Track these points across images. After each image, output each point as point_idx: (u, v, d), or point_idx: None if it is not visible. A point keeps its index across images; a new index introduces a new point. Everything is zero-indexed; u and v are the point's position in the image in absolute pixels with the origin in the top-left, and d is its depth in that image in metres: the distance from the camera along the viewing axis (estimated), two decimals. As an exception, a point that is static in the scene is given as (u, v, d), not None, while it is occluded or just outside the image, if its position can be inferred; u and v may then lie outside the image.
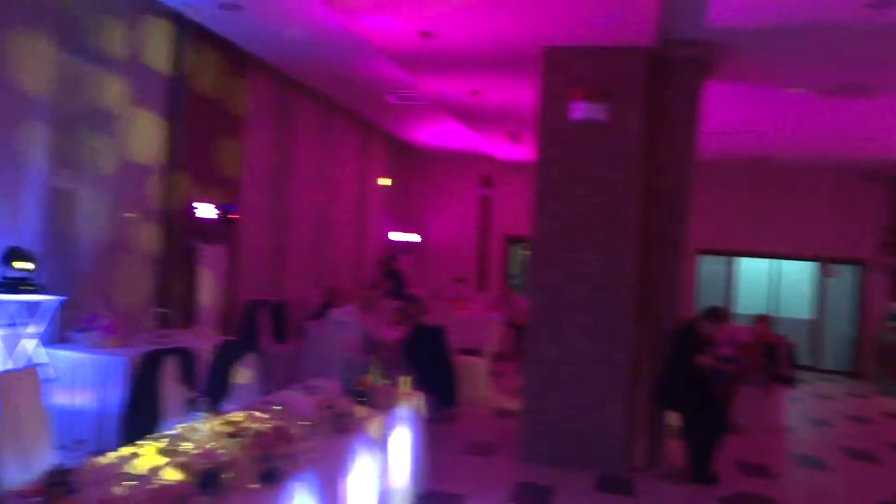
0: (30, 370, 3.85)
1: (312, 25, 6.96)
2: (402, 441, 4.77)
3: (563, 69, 6.44)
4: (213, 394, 4.70)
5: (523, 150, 12.63)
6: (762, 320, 8.94)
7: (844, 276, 13.82)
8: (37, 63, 5.55)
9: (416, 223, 15.52)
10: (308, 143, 10.50)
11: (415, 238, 15.19)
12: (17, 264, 5.06)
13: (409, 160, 15.16)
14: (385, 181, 13.80)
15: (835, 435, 8.53)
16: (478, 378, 8.64)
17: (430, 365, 7.28)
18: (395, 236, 14.36)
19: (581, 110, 6.32)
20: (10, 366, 5.05)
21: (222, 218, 7.67)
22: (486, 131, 11.80)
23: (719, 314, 6.42)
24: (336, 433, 3.87)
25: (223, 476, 2.76)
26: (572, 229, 6.38)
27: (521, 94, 8.51)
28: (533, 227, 6.51)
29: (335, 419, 3.93)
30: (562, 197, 6.42)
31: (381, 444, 4.30)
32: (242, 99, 8.40)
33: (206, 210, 7.42)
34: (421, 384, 6.59)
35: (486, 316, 10.65)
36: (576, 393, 6.30)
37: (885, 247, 13.07)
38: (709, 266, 14.34)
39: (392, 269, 12.47)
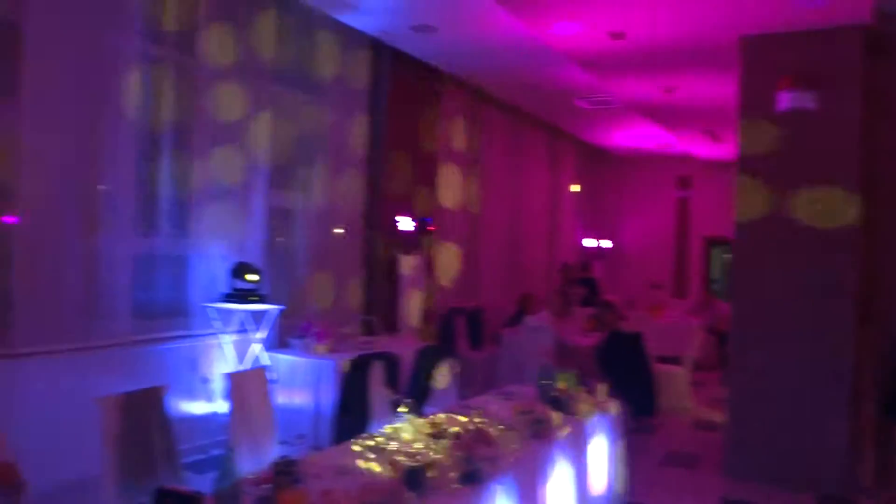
0: (258, 371, 4.30)
1: (502, 38, 7.13)
2: (599, 450, 4.71)
3: (765, 58, 6.04)
4: (416, 396, 4.94)
5: (724, 148, 11.97)
6: None
7: None
8: (255, 96, 6.21)
9: (608, 228, 15.22)
10: (498, 152, 10.71)
11: (607, 244, 14.90)
12: (246, 277, 5.67)
13: (601, 164, 14.92)
14: (576, 187, 13.69)
15: None
16: (678, 387, 8.28)
17: (627, 373, 7.10)
18: (587, 242, 14.19)
19: (788, 100, 5.85)
20: (240, 367, 5.68)
21: (420, 229, 8.07)
22: (682, 130, 11.35)
23: None
24: (534, 439, 3.91)
25: (428, 475, 2.90)
26: (781, 228, 5.93)
27: (719, 88, 8.10)
28: (736, 227, 6.14)
29: (533, 425, 3.97)
30: (768, 193, 5.98)
31: (578, 452, 4.28)
32: (437, 114, 8.78)
33: (405, 223, 7.84)
34: (618, 392, 6.47)
35: (686, 322, 10.19)
36: (788, 404, 5.84)
37: None
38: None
39: (585, 276, 12.34)
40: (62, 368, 4.68)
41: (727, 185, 6.33)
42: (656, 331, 9.05)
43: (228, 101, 5.93)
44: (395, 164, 7.90)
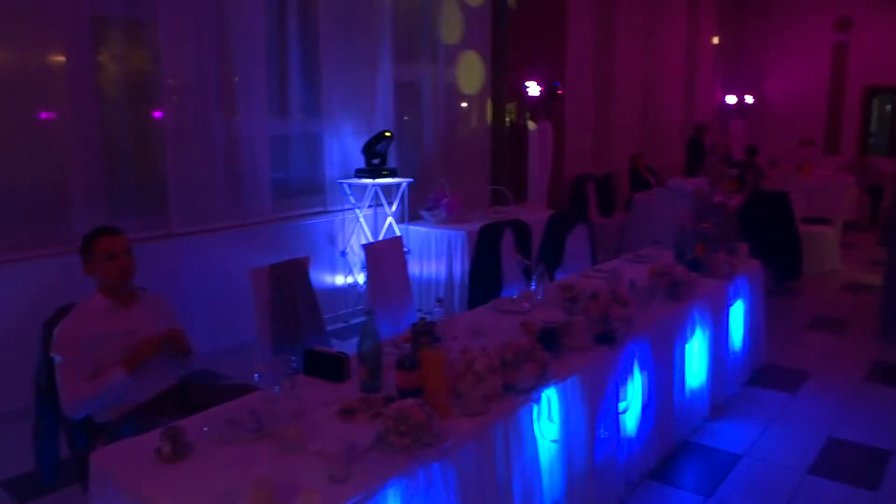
0: (392, 241, 4.45)
1: None
2: (739, 312, 4.58)
3: None
4: (548, 262, 4.96)
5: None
6: None
7: None
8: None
9: (753, 82, 14.05)
10: (631, 5, 9.99)
11: (749, 99, 13.83)
12: (386, 134, 5.77)
13: (744, 11, 13.60)
14: (716, 39, 12.63)
15: None
16: (826, 249, 7.80)
17: (770, 234, 6.74)
18: (728, 99, 13.24)
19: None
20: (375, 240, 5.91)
21: (549, 94, 7.80)
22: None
23: None
24: (670, 300, 3.85)
25: (561, 336, 2.94)
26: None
27: None
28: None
29: (669, 286, 3.89)
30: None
31: (716, 314, 4.18)
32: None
33: (533, 88, 7.60)
34: (760, 254, 6.19)
35: (838, 180, 9.46)
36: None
37: None
38: None
39: (698, 136, 11.53)
40: (214, 245, 5.08)
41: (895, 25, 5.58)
42: (804, 190, 8.48)
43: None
44: (522, 30, 7.56)
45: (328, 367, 2.67)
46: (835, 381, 4.85)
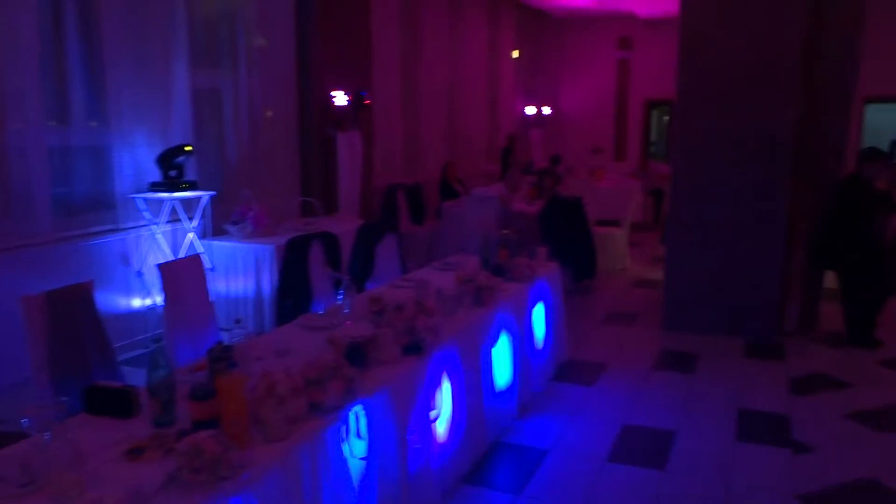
0: (192, 259, 4.18)
1: None
2: (541, 312, 4.83)
3: None
4: (357, 274, 4.92)
5: (666, 4, 11.68)
6: None
7: None
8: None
9: (549, 94, 15.01)
10: (435, 19, 10.26)
11: (547, 110, 14.75)
12: (185, 149, 5.43)
13: (541, 27, 14.49)
14: (516, 53, 13.32)
15: None
16: (617, 249, 8.49)
17: (567, 237, 7.21)
18: (528, 110, 14.00)
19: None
20: (175, 258, 5.54)
21: (356, 104, 7.77)
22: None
23: (876, 153, 5.84)
24: (476, 306, 3.97)
25: (368, 350, 2.91)
26: (722, 85, 5.87)
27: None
28: (677, 86, 6.06)
29: (475, 292, 4.01)
30: (710, 50, 5.87)
31: (520, 316, 4.37)
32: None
33: (340, 98, 7.53)
34: (559, 256, 6.56)
35: (625, 185, 10.33)
36: (724, 259, 6.02)
37: None
38: (878, 115, 12.92)
39: (510, 146, 12.24)
40: (-19, 271, 4.48)
41: (668, 44, 6.17)
42: (596, 194, 9.16)
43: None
44: (327, 37, 7.47)
45: (114, 403, 2.43)
46: (627, 371, 5.26)
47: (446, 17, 10.57)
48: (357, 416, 2.62)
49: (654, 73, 13.87)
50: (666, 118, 15.47)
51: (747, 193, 5.88)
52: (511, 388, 4.24)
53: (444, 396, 3.37)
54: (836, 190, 5.88)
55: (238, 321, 2.90)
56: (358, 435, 2.61)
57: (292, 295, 4.49)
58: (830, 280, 6.12)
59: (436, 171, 9.68)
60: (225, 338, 2.67)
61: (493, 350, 3.96)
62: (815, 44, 5.77)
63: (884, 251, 5.88)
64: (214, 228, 5.96)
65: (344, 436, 2.52)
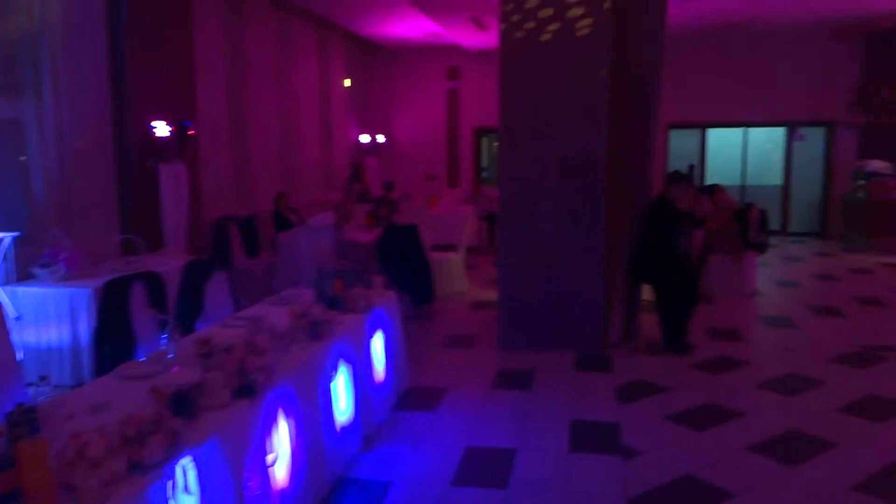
0: (-9, 310, 3.78)
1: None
2: (381, 342, 4.81)
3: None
4: (185, 315, 4.66)
5: (490, 37, 12.22)
6: (718, 190, 8.84)
7: (814, 140, 13.88)
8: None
9: (383, 123, 15.18)
10: (263, 47, 10.07)
11: (381, 138, 14.90)
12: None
13: (372, 58, 14.66)
14: (347, 82, 13.37)
15: (803, 294, 8.77)
16: (454, 273, 8.69)
17: (404, 264, 7.29)
18: (362, 138, 14.07)
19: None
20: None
21: (179, 134, 7.41)
22: (448, 19, 11.36)
23: (680, 176, 6.47)
24: (312, 341, 3.88)
25: (196, 396, 2.75)
26: (541, 113, 6.22)
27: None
28: (501, 115, 6.34)
29: (310, 327, 3.92)
30: (529, 80, 6.20)
31: (359, 348, 4.33)
32: (188, 5, 7.94)
33: (161, 128, 7.16)
34: (397, 284, 6.59)
35: (459, 211, 10.61)
36: (552, 277, 6.34)
37: (854, 106, 13.05)
38: (680, 140, 14.27)
39: (357, 173, 12.33)
40: None
41: (494, 75, 6.45)
42: (432, 221, 9.33)
43: None
44: (145, 65, 7.08)
45: None
46: (468, 394, 5.36)
47: (274, 44, 10.42)
48: (185, 469, 2.45)
49: (482, 101, 14.43)
50: (496, 144, 16.15)
51: (568, 215, 6.25)
52: (353, 422, 4.18)
53: (282, 437, 3.25)
54: (647, 210, 6.39)
55: (44, 377, 2.63)
56: (186, 490, 2.45)
57: (112, 342, 4.17)
58: (648, 292, 6.62)
59: (269, 202, 9.44)
60: (30, 396, 2.41)
61: (332, 384, 3.89)
62: (622, 75, 6.28)
63: (691, 264, 6.48)
64: (20, 273, 5.42)
65: (170, 493, 2.35)
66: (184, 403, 2.65)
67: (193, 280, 4.83)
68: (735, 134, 14.22)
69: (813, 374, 5.73)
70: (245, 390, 2.94)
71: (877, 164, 12.14)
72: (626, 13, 6.20)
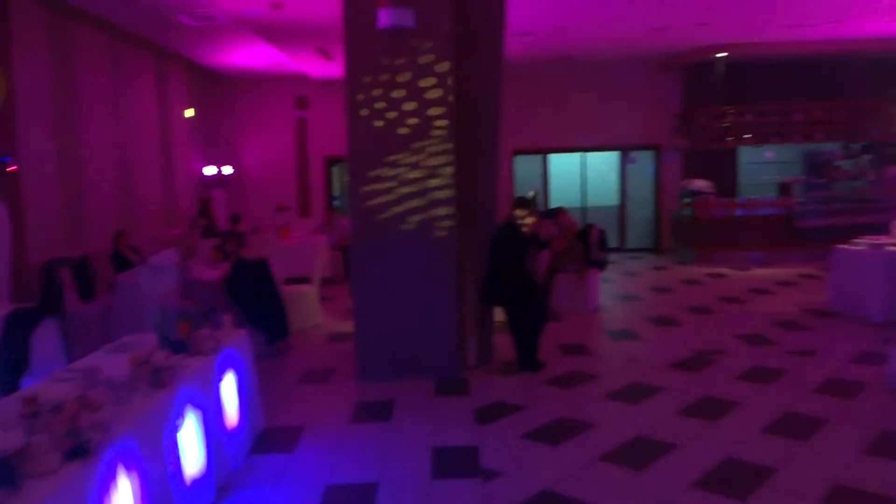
0: None
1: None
2: (233, 384, 4.62)
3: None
4: (9, 371, 4.25)
5: (337, 67, 12.21)
6: (560, 212, 9.38)
7: (644, 162, 15.01)
8: None
9: (229, 154, 14.71)
10: (96, 77, 9.48)
11: (228, 170, 14.43)
12: None
13: (216, 87, 14.22)
14: (189, 112, 12.85)
15: (642, 307, 9.38)
16: (308, 306, 8.52)
17: (256, 300, 7.06)
18: (208, 170, 13.55)
19: (388, 17, 6.03)
20: None
21: (-4, 170, 6.80)
22: (294, 49, 11.25)
23: (524, 201, 6.79)
24: (155, 389, 3.65)
25: (19, 464, 2.50)
26: (387, 143, 6.28)
27: (326, 5, 8.10)
28: (349, 144, 6.33)
29: (152, 374, 3.69)
30: (375, 110, 6.26)
31: (207, 392, 4.13)
32: (6, 34, 7.33)
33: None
34: (249, 321, 6.38)
35: (311, 242, 10.48)
36: (406, 305, 6.37)
37: (678, 131, 14.31)
38: (524, 165, 14.92)
39: (205, 208, 11.87)
40: None
41: (343, 102, 6.44)
42: (283, 253, 9.14)
43: None
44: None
45: None
46: (327, 430, 5.25)
47: (107, 74, 9.84)
48: (7, 546, 2.22)
49: (331, 130, 14.34)
50: (345, 174, 16.10)
51: (418, 242, 6.33)
52: (205, 472, 3.96)
53: (123, 497, 3.02)
54: (494, 234, 6.60)
55: None
56: (9, 569, 2.21)
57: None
58: (500, 314, 6.82)
59: (106, 241, 8.83)
60: None
61: (179, 435, 3.67)
62: (465, 105, 6.47)
63: (537, 284, 6.75)
64: None
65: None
66: (4, 473, 2.40)
67: (17, 330, 4.41)
68: (574, 158, 15.10)
69: (654, 381, 6.13)
70: (77, 451, 2.71)
71: (699, 184, 13.29)
72: (463, 47, 6.42)
